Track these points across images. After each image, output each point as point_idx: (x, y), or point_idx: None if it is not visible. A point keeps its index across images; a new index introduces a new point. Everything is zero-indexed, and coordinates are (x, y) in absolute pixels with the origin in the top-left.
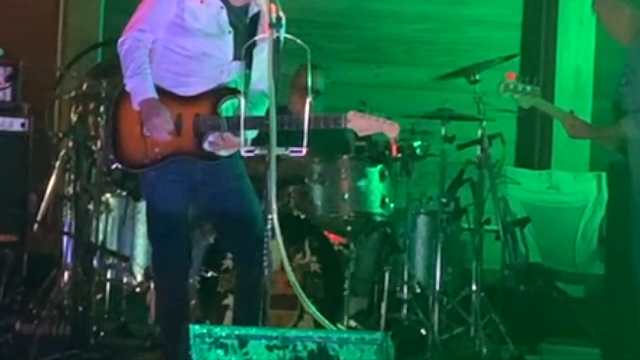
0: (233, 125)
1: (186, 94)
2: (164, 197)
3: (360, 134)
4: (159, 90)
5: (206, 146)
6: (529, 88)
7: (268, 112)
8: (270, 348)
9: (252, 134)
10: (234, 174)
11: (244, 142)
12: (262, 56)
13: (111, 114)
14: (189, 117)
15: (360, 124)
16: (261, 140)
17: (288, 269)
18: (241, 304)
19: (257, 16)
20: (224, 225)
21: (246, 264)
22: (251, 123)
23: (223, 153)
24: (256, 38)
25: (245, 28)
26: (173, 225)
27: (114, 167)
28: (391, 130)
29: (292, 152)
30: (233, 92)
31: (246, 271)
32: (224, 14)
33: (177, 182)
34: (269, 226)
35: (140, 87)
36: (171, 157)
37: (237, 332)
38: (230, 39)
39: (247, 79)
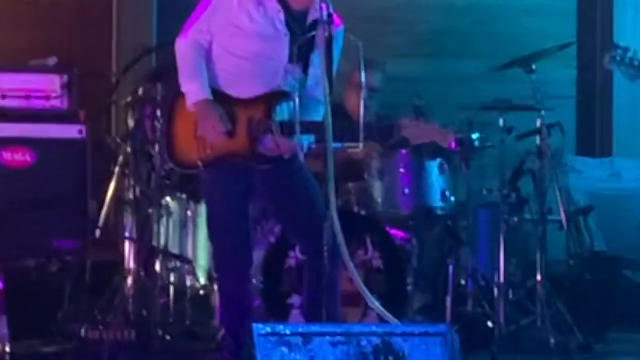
0: (286, 129)
1: (239, 95)
2: (221, 196)
3: (413, 142)
4: (213, 91)
5: (260, 149)
6: (636, 62)
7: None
8: (334, 344)
9: (308, 138)
10: (294, 166)
11: (300, 147)
12: (319, 62)
13: (165, 114)
14: (243, 119)
15: (413, 131)
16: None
17: (350, 265)
18: (310, 295)
19: (316, 22)
20: (291, 216)
21: (315, 252)
22: (306, 127)
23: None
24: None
25: (302, 32)
26: (232, 225)
27: (166, 166)
28: (444, 140)
29: (348, 146)
30: (286, 95)
31: (315, 260)
32: (281, 16)
33: (234, 183)
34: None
35: (194, 88)
36: (224, 158)
37: (300, 329)
38: (286, 41)
39: (302, 82)
